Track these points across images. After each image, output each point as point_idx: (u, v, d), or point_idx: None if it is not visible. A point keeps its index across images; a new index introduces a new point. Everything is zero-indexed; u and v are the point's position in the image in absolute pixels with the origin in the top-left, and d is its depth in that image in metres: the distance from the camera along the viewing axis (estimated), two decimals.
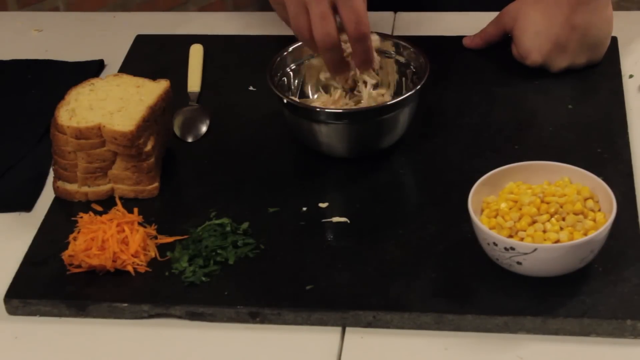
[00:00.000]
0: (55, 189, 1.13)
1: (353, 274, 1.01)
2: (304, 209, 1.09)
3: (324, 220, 1.08)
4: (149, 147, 1.11)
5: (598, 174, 1.02)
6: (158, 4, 2.55)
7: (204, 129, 1.22)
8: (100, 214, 1.08)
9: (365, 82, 1.17)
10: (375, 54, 1.14)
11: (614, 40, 1.29)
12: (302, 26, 1.10)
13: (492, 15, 1.31)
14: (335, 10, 1.08)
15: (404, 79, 1.20)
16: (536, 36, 1.24)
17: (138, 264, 1.02)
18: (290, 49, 1.20)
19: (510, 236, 0.97)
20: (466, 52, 1.32)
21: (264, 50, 1.28)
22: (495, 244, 0.96)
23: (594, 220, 0.98)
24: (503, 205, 0.99)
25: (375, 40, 1.15)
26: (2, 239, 1.10)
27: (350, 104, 1.18)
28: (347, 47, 1.13)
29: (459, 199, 1.01)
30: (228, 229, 1.06)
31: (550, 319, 0.95)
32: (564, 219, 0.98)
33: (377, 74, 1.18)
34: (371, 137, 1.14)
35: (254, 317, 0.98)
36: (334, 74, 1.15)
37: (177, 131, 1.22)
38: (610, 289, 0.97)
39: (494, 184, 1.02)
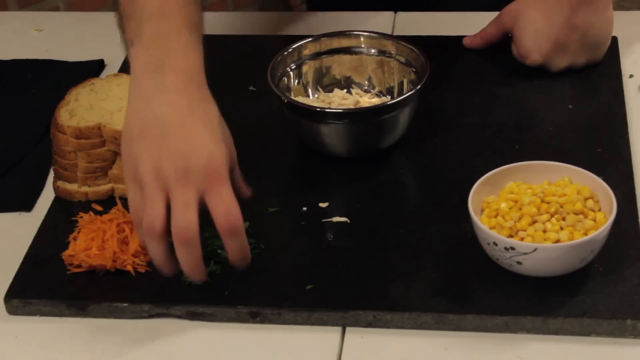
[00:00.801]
0: (56, 188, 1.13)
1: (353, 274, 1.01)
2: (304, 209, 1.09)
3: (324, 220, 1.08)
4: None
5: (598, 174, 1.02)
6: None
7: None
8: (100, 213, 1.08)
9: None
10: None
11: (614, 40, 1.29)
12: (153, 214, 0.91)
13: (492, 15, 1.31)
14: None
15: (404, 79, 1.20)
16: (536, 36, 1.24)
17: (138, 264, 1.02)
18: (290, 49, 1.20)
19: (511, 236, 0.97)
20: (466, 52, 1.32)
21: (264, 50, 1.28)
22: (495, 244, 0.96)
23: (594, 220, 0.98)
24: (503, 205, 0.99)
25: None
26: (2, 239, 1.10)
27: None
28: None
29: (459, 199, 1.01)
30: None
31: (551, 319, 0.95)
32: (564, 219, 0.97)
33: None
34: (371, 137, 1.14)
35: (254, 317, 0.98)
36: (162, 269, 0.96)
37: None
38: (610, 289, 0.97)
39: (494, 183, 1.02)
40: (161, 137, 0.93)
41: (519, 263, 0.96)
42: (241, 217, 0.93)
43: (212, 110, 0.98)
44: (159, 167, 0.92)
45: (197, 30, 1.02)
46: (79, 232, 1.05)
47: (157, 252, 0.93)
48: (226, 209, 0.92)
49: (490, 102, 1.23)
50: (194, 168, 0.92)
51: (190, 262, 0.93)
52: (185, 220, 0.91)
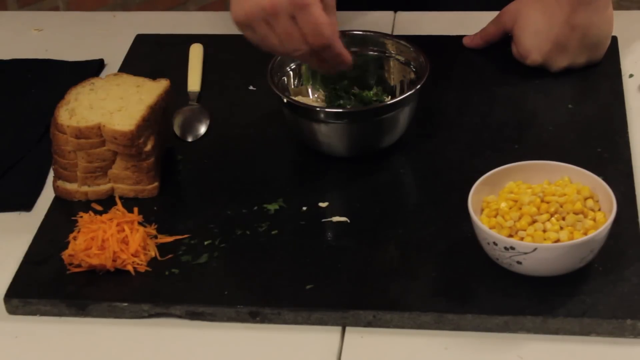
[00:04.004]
0: (55, 188, 1.13)
1: (353, 274, 1.01)
2: (304, 208, 1.09)
3: (324, 220, 1.08)
4: (149, 146, 1.11)
5: (598, 174, 1.02)
6: (158, 4, 2.55)
7: (204, 129, 1.22)
8: (100, 213, 1.08)
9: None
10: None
11: (614, 39, 1.29)
12: (274, 45, 1.07)
13: (492, 15, 1.31)
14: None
15: (404, 78, 1.20)
16: (536, 35, 1.24)
17: (138, 264, 1.02)
18: None
19: (510, 236, 0.97)
20: (466, 51, 1.32)
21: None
22: (495, 244, 0.96)
23: (594, 220, 0.98)
24: (503, 204, 0.99)
25: None
26: (2, 238, 1.10)
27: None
28: None
29: (459, 199, 1.01)
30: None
31: (550, 319, 0.95)
32: (564, 219, 0.97)
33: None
34: (371, 136, 1.14)
35: (254, 317, 0.98)
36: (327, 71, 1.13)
37: (177, 131, 1.22)
38: (610, 289, 0.97)
39: (494, 183, 1.02)
40: None
41: (519, 263, 0.96)
42: (330, 32, 1.05)
43: None
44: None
45: None
46: (78, 232, 1.05)
47: (313, 62, 1.10)
48: (314, 29, 1.04)
49: (490, 102, 1.23)
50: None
51: (317, 63, 1.10)
52: (291, 45, 1.05)
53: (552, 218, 0.98)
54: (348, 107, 1.18)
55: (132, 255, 1.02)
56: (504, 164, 1.03)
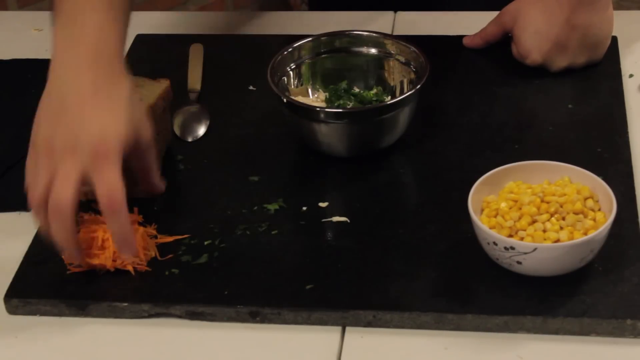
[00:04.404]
0: None
1: (353, 274, 1.01)
2: (304, 208, 1.09)
3: (324, 219, 1.08)
4: None
5: (598, 174, 1.02)
6: (158, 4, 2.54)
7: (203, 129, 1.22)
8: (100, 213, 1.08)
9: None
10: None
11: (614, 39, 1.29)
12: (36, 184, 0.97)
13: (492, 15, 1.31)
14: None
15: (404, 78, 1.20)
16: (536, 35, 1.24)
17: (138, 264, 1.02)
18: (290, 48, 1.20)
19: (510, 236, 0.97)
20: (466, 52, 1.32)
21: (264, 50, 1.28)
22: (495, 244, 0.96)
23: (594, 220, 0.98)
24: (503, 204, 0.99)
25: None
26: (2, 238, 1.10)
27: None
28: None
29: (459, 199, 1.01)
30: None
31: (550, 319, 0.95)
32: (564, 219, 0.97)
33: None
34: (371, 136, 1.14)
35: (254, 317, 0.98)
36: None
37: (177, 131, 1.22)
38: (610, 289, 0.97)
39: (494, 183, 1.02)
40: (60, 112, 0.98)
41: (519, 263, 0.96)
42: (123, 200, 0.96)
43: (120, 88, 1.00)
44: (52, 140, 0.96)
45: (116, 8, 1.03)
46: (79, 232, 1.05)
47: (36, 220, 0.99)
48: (108, 190, 0.95)
49: (490, 102, 1.23)
50: (82, 145, 0.96)
51: (61, 236, 0.97)
52: (60, 193, 0.95)
53: (552, 218, 0.98)
54: (348, 107, 1.18)
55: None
56: (504, 164, 1.03)
